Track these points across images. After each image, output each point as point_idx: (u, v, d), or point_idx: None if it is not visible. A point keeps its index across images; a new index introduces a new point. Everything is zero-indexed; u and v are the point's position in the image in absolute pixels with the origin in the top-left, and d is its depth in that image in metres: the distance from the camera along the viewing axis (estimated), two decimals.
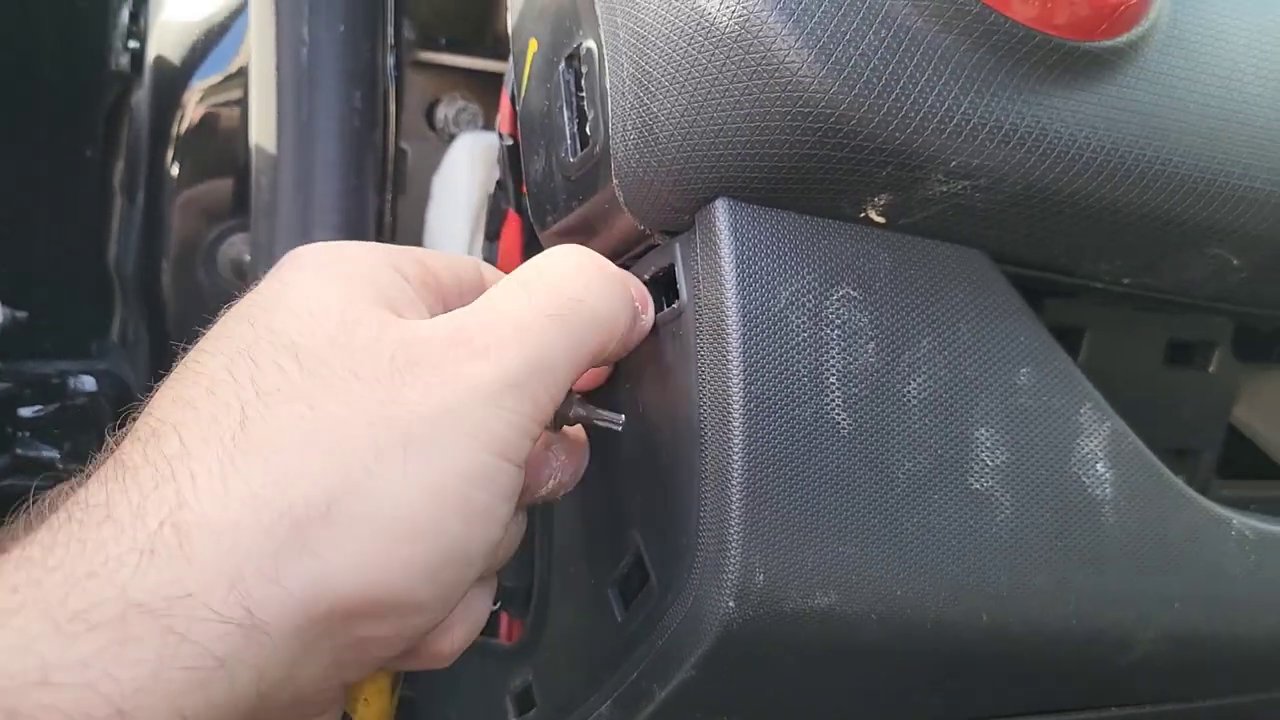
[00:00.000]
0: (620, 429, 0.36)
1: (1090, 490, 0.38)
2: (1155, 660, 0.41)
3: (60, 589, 0.24)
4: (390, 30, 0.52)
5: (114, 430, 0.29)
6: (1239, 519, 0.41)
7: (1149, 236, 0.38)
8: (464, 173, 0.54)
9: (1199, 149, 0.37)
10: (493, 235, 0.50)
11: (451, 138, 0.57)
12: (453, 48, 0.58)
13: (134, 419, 0.29)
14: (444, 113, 0.59)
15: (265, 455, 0.27)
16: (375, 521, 0.27)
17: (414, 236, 0.57)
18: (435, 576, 0.29)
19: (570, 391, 0.35)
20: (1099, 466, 0.38)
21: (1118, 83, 0.35)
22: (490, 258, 0.51)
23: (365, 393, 0.28)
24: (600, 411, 0.36)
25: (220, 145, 0.58)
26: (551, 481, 0.37)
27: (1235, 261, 0.40)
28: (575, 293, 0.32)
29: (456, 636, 0.34)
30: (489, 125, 0.58)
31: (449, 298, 0.35)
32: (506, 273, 0.49)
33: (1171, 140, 0.36)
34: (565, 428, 0.37)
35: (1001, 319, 0.37)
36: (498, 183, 0.49)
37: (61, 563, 0.24)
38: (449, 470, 0.29)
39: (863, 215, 0.35)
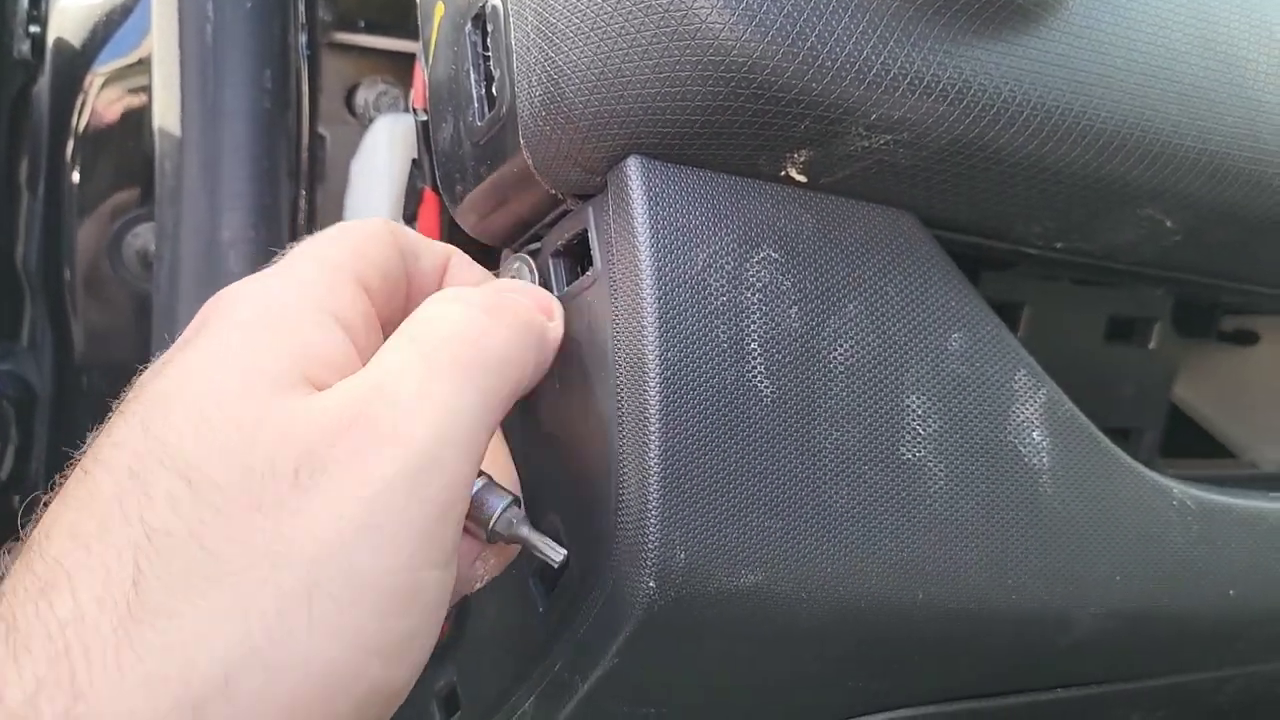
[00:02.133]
0: (558, 564, 0.32)
1: (1026, 459, 0.37)
2: (1098, 638, 0.39)
3: None
4: (302, 7, 0.50)
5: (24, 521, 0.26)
6: (1179, 488, 0.40)
7: (1078, 196, 0.37)
8: (383, 156, 0.52)
9: (1126, 105, 0.36)
10: (410, 217, 0.48)
11: (373, 122, 0.55)
12: (372, 29, 0.56)
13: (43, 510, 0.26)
14: (364, 97, 0.56)
15: (159, 625, 0.23)
16: (280, 692, 0.24)
17: (333, 224, 0.55)
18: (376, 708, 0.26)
19: (513, 501, 0.32)
20: (1035, 434, 0.37)
21: (1042, 36, 0.34)
22: None
23: (266, 525, 0.25)
24: (538, 539, 0.32)
25: (124, 132, 0.55)
26: (485, 576, 0.33)
27: (1168, 223, 0.39)
28: (471, 336, 0.29)
29: None
30: None
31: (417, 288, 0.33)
32: None
33: (1097, 95, 0.35)
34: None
35: (931, 282, 0.36)
36: (414, 161, 0.47)
37: None
38: (363, 606, 0.25)
39: (783, 174, 0.34)
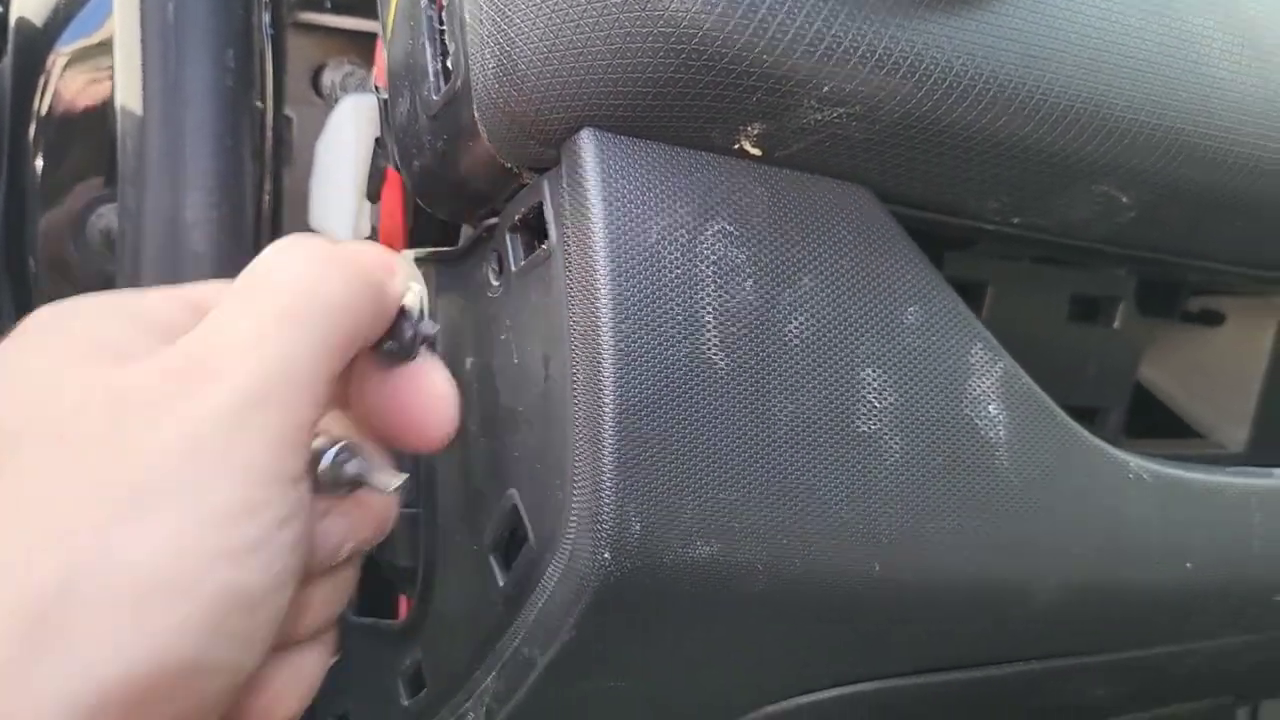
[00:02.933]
0: (392, 492, 0.33)
1: (983, 432, 0.37)
2: (1056, 611, 0.40)
3: None
4: None
5: None
6: (1136, 461, 0.40)
7: (1032, 170, 0.37)
8: (349, 136, 0.51)
9: (1079, 79, 0.36)
10: (374, 196, 0.47)
11: (338, 103, 0.55)
12: (338, 9, 0.55)
13: None
14: (330, 78, 0.56)
15: None
16: (121, 591, 0.25)
17: (301, 207, 0.55)
18: (218, 630, 0.26)
19: (344, 447, 0.32)
20: (991, 408, 0.37)
21: (995, 10, 0.34)
22: (373, 222, 0.49)
23: (78, 458, 0.26)
24: (376, 473, 0.33)
25: (88, 113, 0.55)
26: (349, 544, 0.34)
27: (1123, 199, 0.39)
28: (305, 285, 0.30)
29: (287, 704, 0.32)
30: None
31: None
32: (389, 234, 0.47)
33: (1051, 69, 0.35)
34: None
35: (887, 256, 0.36)
36: (377, 140, 0.47)
37: None
38: (198, 514, 0.26)
39: (737, 146, 0.34)
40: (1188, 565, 0.41)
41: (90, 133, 0.55)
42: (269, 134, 0.53)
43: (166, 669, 0.25)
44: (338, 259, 0.31)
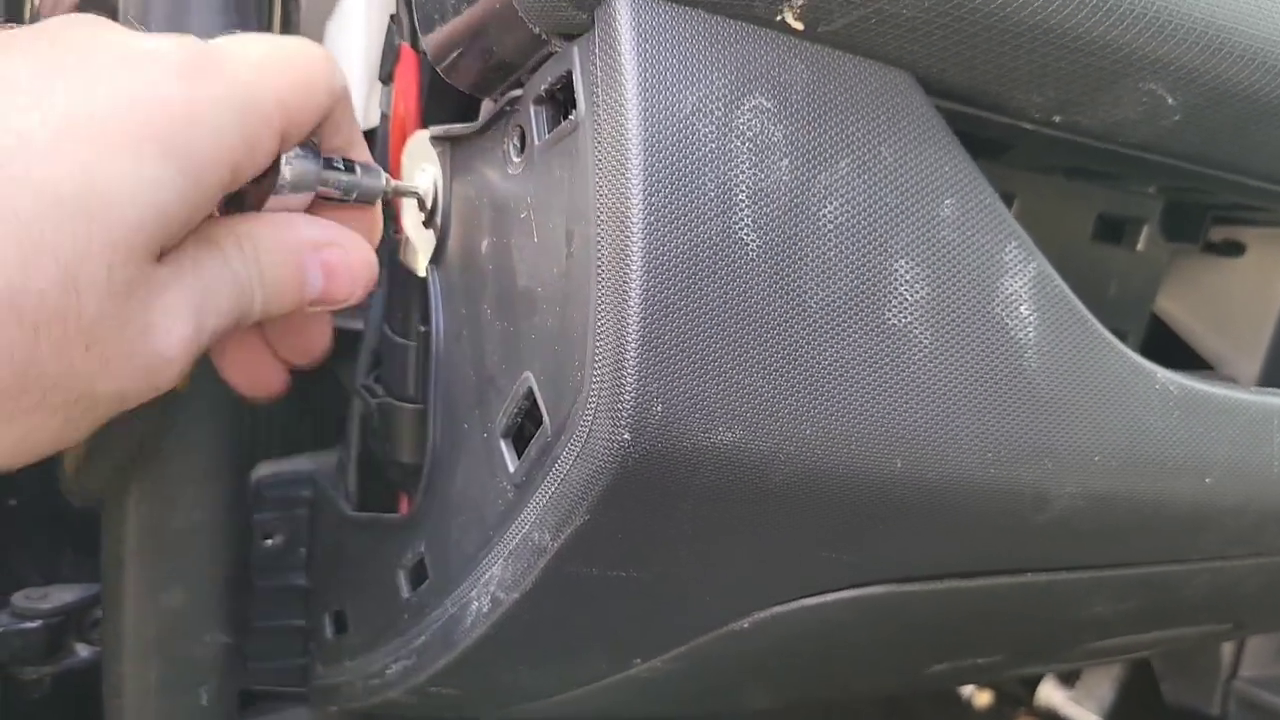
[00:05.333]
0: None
1: (1013, 332, 0.36)
2: (1072, 519, 0.39)
3: None
4: None
5: None
6: (1163, 373, 0.40)
7: (1081, 63, 0.35)
8: (359, 13, 0.49)
9: None
10: (386, 77, 0.46)
11: None
12: None
13: None
14: None
15: None
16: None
17: None
18: None
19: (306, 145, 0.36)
20: (1023, 308, 0.36)
21: None
22: (384, 105, 0.47)
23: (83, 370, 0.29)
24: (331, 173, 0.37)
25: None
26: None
27: (1169, 100, 0.38)
28: (266, 310, 0.35)
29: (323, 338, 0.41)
30: None
31: None
32: (403, 119, 0.45)
33: None
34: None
35: (926, 146, 0.35)
36: (391, 17, 0.45)
37: None
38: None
39: (779, 18, 0.32)
40: (1207, 480, 0.41)
41: (88, 4, 0.53)
42: (276, 13, 0.51)
43: None
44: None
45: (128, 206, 0.28)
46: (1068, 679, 1.01)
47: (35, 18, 0.57)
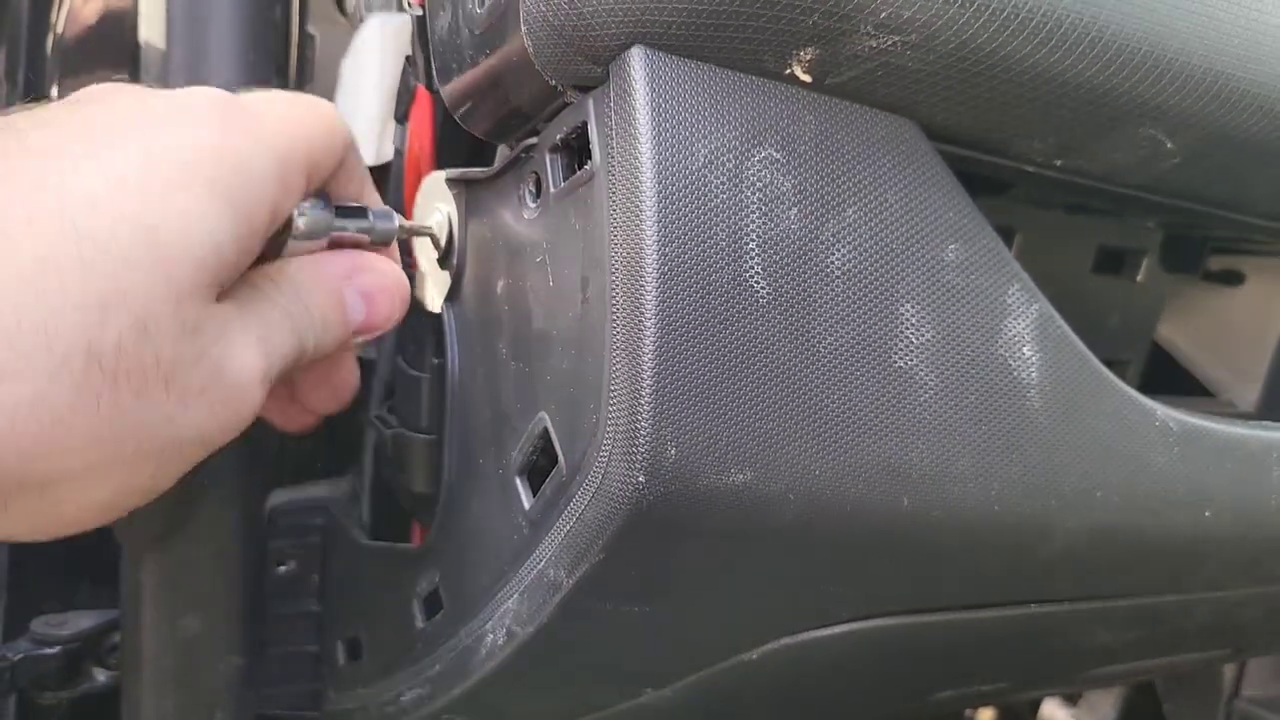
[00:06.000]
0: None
1: (1016, 373, 0.37)
2: (1075, 552, 0.40)
3: None
4: None
5: None
6: (1163, 410, 0.40)
7: (1083, 110, 0.36)
8: (374, 54, 0.50)
9: (1135, 19, 0.35)
10: (402, 117, 0.47)
11: (364, 21, 0.54)
12: None
13: None
14: None
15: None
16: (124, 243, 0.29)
17: None
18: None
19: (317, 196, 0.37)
20: (1026, 349, 0.37)
21: None
22: (398, 143, 0.48)
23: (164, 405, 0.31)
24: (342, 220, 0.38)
25: (108, 26, 0.54)
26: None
27: (1168, 144, 0.39)
28: (317, 346, 0.36)
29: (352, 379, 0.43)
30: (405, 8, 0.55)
31: None
32: (417, 158, 0.46)
33: (1108, 7, 0.35)
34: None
35: (931, 192, 0.36)
36: (407, 58, 0.46)
37: None
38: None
39: (788, 72, 0.33)
40: (1207, 513, 0.41)
41: (109, 46, 0.54)
42: (292, 51, 0.52)
43: None
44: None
45: (189, 247, 0.30)
46: (1070, 698, 1.02)
47: (60, 42, 0.58)
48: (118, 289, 0.28)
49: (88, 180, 0.29)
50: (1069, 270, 0.52)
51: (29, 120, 0.31)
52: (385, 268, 0.39)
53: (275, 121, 0.34)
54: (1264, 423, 0.45)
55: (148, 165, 0.30)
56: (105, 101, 0.32)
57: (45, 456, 0.28)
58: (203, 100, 0.33)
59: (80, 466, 0.29)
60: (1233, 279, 0.61)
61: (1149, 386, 0.58)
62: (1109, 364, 0.54)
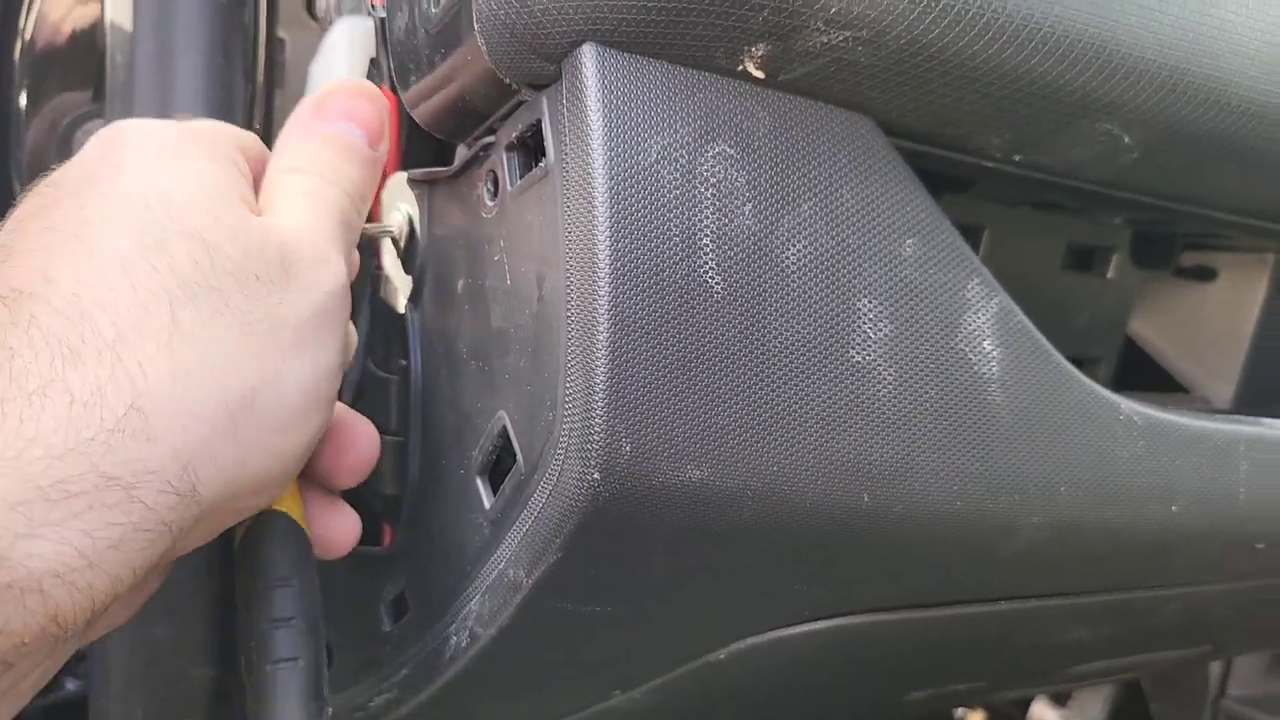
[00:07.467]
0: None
1: (976, 368, 0.37)
2: (1041, 549, 0.40)
3: (40, 462, 0.27)
4: None
5: None
6: (1128, 404, 0.40)
7: (1036, 105, 0.36)
8: (342, 57, 0.50)
9: (1086, 14, 0.35)
10: None
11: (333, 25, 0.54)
12: None
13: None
14: (325, 0, 0.55)
15: (200, 350, 0.30)
16: (278, 415, 0.32)
17: None
18: (298, 462, 0.34)
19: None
20: (986, 344, 0.37)
21: None
22: None
23: (265, 293, 0.32)
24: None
25: (75, 29, 0.54)
26: None
27: (1126, 139, 0.39)
28: (356, 190, 0.37)
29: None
30: None
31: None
32: (383, 160, 0.46)
33: (1059, 3, 0.35)
34: None
35: (887, 187, 0.36)
36: (371, 61, 0.46)
37: (36, 435, 0.27)
38: (323, 368, 0.34)
39: (740, 68, 0.33)
40: (1173, 508, 0.41)
41: (78, 51, 0.54)
42: (261, 54, 0.52)
43: (270, 481, 0.33)
44: (367, 157, 0.38)
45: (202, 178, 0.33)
46: (1059, 699, 1.01)
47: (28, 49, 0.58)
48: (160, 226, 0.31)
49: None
50: (1038, 267, 0.52)
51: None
52: (342, 86, 0.39)
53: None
54: (1231, 416, 0.45)
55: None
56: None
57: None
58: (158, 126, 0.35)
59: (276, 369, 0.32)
60: (1206, 275, 0.61)
61: (1127, 385, 0.58)
62: (1081, 361, 0.54)
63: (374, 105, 0.38)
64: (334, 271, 0.34)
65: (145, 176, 0.32)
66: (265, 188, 0.36)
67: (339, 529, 0.40)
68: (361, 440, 0.40)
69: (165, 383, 0.29)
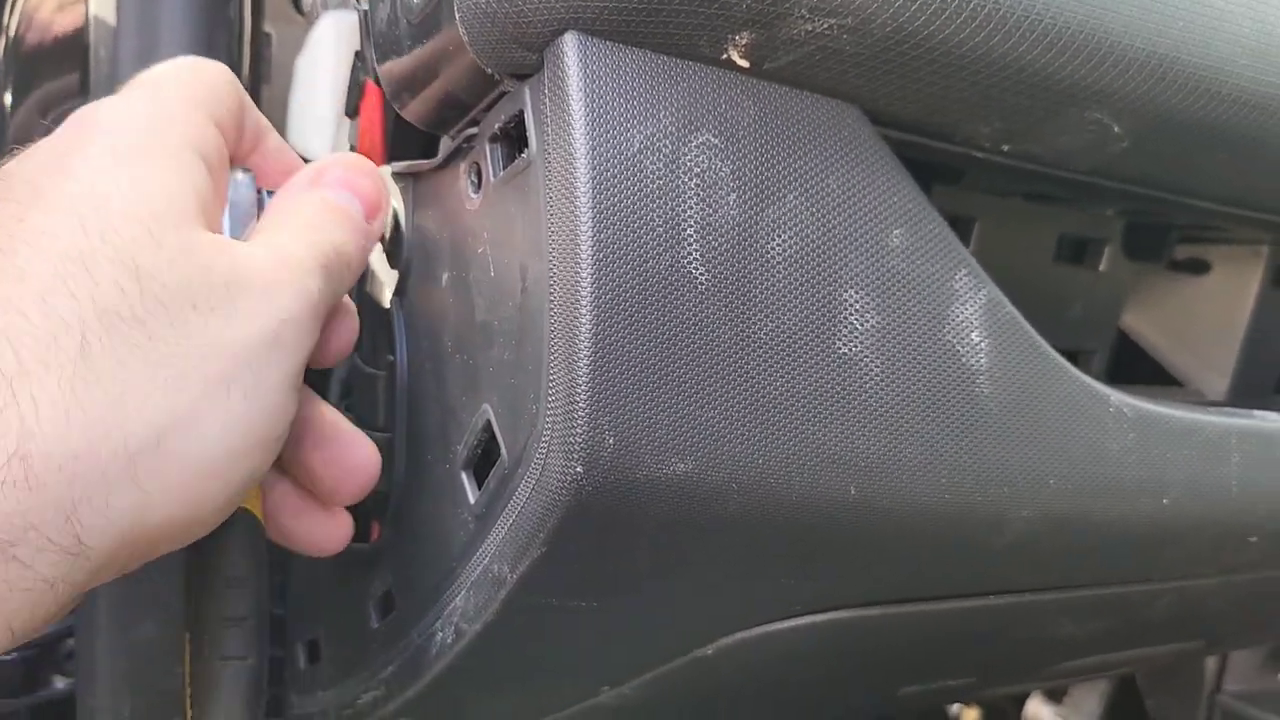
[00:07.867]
0: None
1: (964, 359, 0.36)
2: (1030, 542, 0.39)
3: None
4: None
5: None
6: (1117, 396, 0.40)
7: (1025, 94, 0.36)
8: (328, 51, 0.50)
9: (1075, 2, 0.35)
10: (352, 112, 0.46)
11: (319, 19, 0.53)
12: None
13: None
14: None
15: (105, 386, 0.28)
16: (196, 458, 0.29)
17: (280, 124, 0.53)
18: (230, 503, 0.32)
19: None
20: (974, 335, 0.37)
21: None
22: (352, 139, 0.48)
23: (201, 324, 0.30)
24: None
25: (59, 26, 0.53)
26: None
27: (1116, 128, 0.38)
28: (346, 250, 0.35)
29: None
30: None
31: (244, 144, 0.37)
32: (368, 149, 0.46)
33: None
34: None
35: (875, 177, 0.35)
36: (356, 53, 0.45)
37: None
38: (262, 407, 0.31)
39: (725, 57, 0.33)
40: (1165, 501, 0.41)
41: (62, 46, 0.54)
42: (247, 49, 0.51)
43: (189, 526, 0.31)
44: (350, 217, 0.36)
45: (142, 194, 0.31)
46: (1055, 695, 1.01)
47: (12, 46, 0.58)
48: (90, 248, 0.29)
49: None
50: (1030, 259, 0.51)
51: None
52: (343, 159, 0.38)
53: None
54: (1223, 408, 0.44)
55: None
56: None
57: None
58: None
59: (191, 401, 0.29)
60: (1199, 268, 0.61)
61: (1122, 378, 0.58)
62: (1074, 354, 0.54)
63: (372, 180, 0.37)
64: (292, 296, 0.31)
65: (92, 183, 0.30)
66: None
67: (333, 531, 0.39)
68: (365, 465, 0.38)
69: (58, 424, 0.26)
